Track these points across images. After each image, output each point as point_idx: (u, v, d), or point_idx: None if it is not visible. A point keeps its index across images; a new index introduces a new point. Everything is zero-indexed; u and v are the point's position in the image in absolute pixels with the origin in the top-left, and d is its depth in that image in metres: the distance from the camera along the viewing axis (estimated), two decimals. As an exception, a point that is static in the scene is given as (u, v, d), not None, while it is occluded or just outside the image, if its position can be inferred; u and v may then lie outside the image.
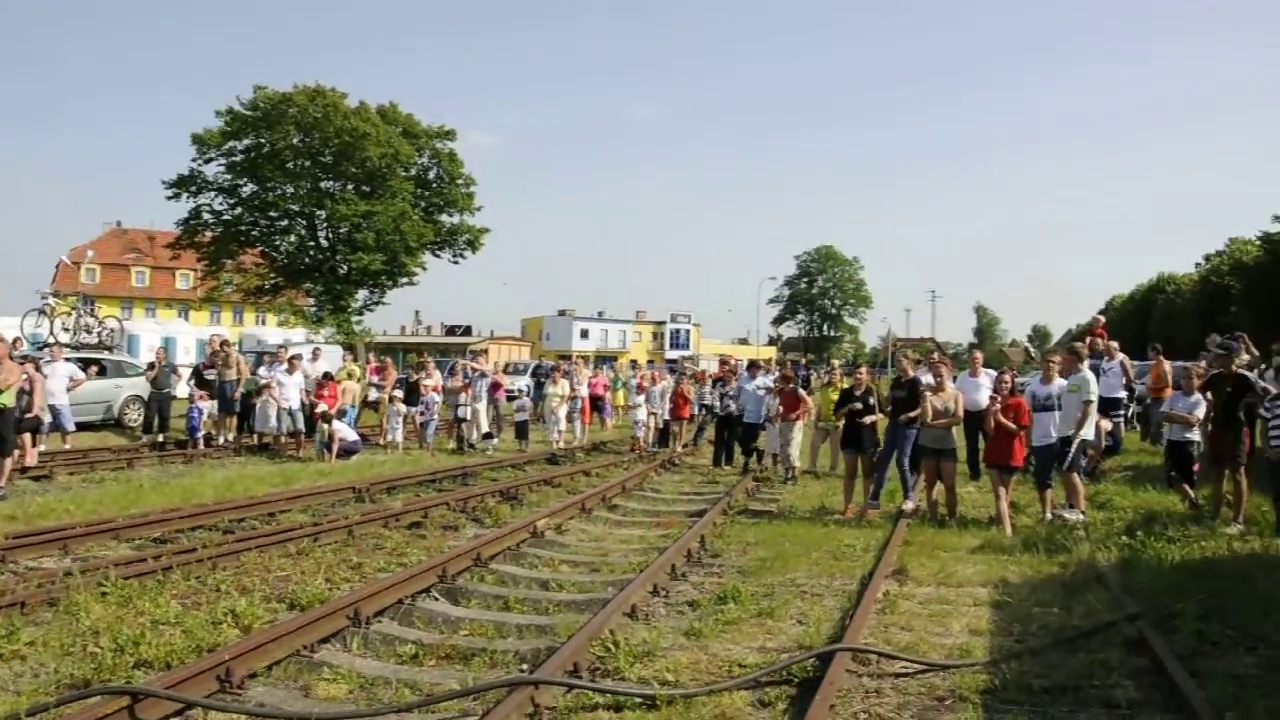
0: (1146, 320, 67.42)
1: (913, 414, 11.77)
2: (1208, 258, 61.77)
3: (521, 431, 21.48)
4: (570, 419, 22.16)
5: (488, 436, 21.13)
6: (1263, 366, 13.72)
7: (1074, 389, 11.24)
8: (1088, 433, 11.29)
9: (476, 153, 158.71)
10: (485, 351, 62.16)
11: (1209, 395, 10.99)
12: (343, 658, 6.30)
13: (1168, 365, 16.93)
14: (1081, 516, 10.88)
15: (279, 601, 7.61)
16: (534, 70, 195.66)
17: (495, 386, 22.31)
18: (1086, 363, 12.08)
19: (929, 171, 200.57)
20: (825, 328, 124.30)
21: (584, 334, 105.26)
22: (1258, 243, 48.03)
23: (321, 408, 18.68)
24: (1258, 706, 5.11)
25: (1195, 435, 11.27)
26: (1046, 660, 6.09)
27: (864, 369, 13.63)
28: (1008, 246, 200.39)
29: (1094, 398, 11.35)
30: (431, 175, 48.83)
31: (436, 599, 7.85)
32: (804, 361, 63.42)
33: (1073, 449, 11.13)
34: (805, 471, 16.09)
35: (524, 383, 32.40)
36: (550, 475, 15.73)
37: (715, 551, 9.93)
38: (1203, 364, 14.11)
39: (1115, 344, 16.87)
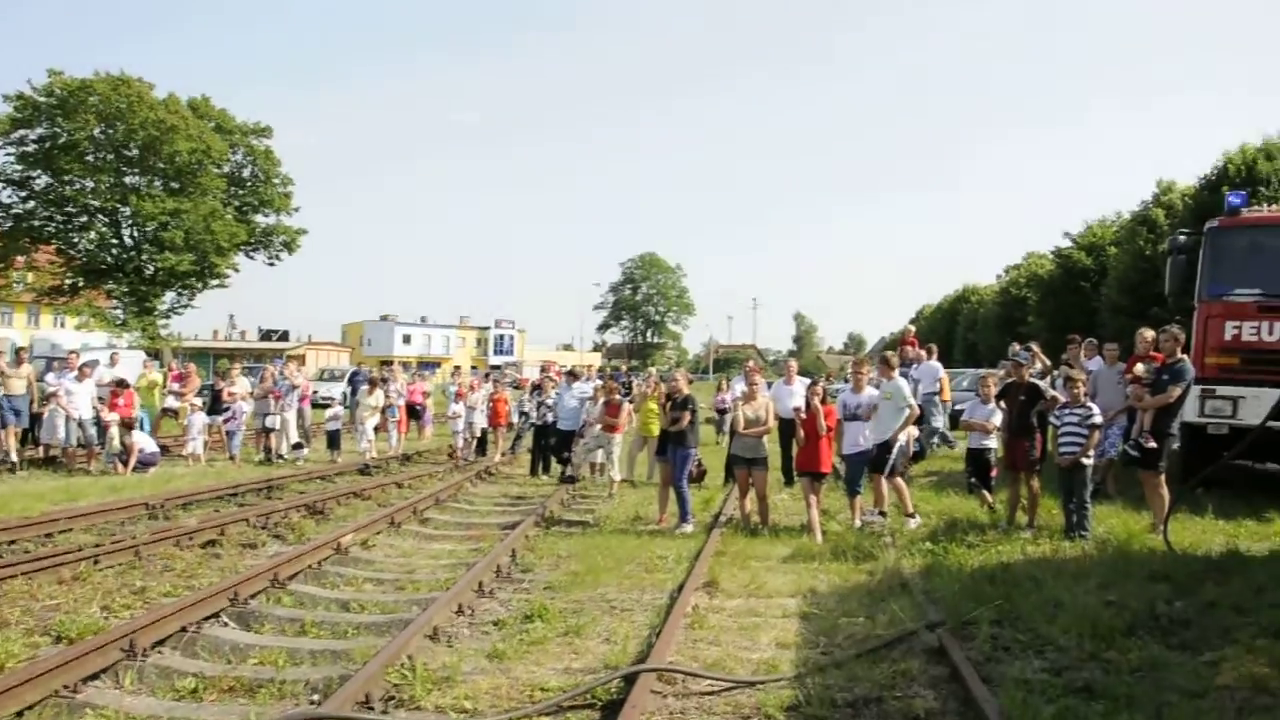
0: (953, 328, 70.95)
1: (680, 424, 11.82)
2: (1007, 270, 65.44)
3: (333, 441, 20.68)
4: (385, 428, 21.47)
5: (297, 447, 20.24)
6: (1054, 375, 14.41)
7: (888, 396, 11.52)
8: (901, 439, 11.59)
9: (295, 151, 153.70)
10: (302, 358, 59.89)
11: (1003, 404, 11.44)
12: (111, 696, 5.75)
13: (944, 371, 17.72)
14: (914, 521, 11.21)
15: (43, 635, 6.93)
16: (358, 70, 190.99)
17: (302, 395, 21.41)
18: (898, 370, 12.46)
19: (761, 178, 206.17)
20: (649, 334, 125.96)
21: (406, 339, 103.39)
22: (1051, 257, 51.19)
23: (112, 416, 17.48)
24: (1045, 711, 5.21)
25: (992, 442, 11.71)
26: (851, 672, 6.10)
27: (680, 374, 13.56)
28: (826, 257, 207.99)
29: (912, 404, 11.70)
30: (246, 173, 47.03)
31: (226, 625, 7.33)
32: (624, 369, 63.81)
33: (893, 456, 11.42)
34: (622, 480, 16.00)
35: (340, 390, 31.31)
36: (361, 487, 15.14)
37: (526, 566, 9.68)
38: (1002, 371, 14.78)
39: (933, 348, 17.60)
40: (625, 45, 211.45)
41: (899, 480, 11.54)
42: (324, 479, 16.90)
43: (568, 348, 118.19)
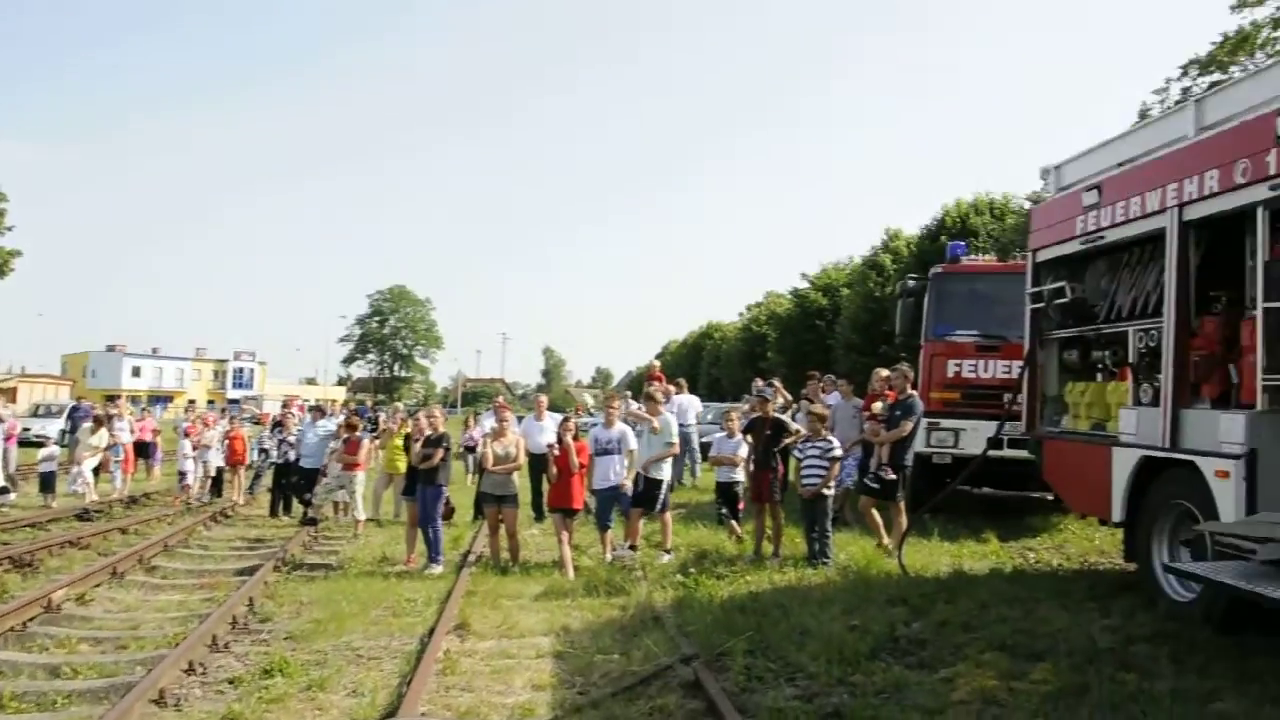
0: (698, 363, 73.30)
1: (431, 462, 11.56)
2: (749, 308, 68.35)
3: (47, 484, 18.77)
4: (109, 469, 19.73)
5: (2, 491, 18.26)
6: (795, 409, 15.01)
7: (656, 431, 11.73)
8: (665, 474, 11.74)
9: (10, 167, 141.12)
10: (11, 391, 54.49)
11: (749, 437, 11.79)
12: None
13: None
14: (667, 556, 11.26)
15: None
16: (85, 86, 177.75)
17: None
18: (663, 405, 12.67)
19: (509, 211, 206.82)
20: (396, 368, 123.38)
21: (136, 372, 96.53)
22: (789, 297, 53.83)
23: None
24: (798, 739, 5.28)
25: (739, 475, 12.03)
26: (608, 711, 5.99)
27: (438, 410, 13.15)
28: (574, 292, 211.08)
29: (675, 439, 11.92)
30: (-57, 189, 42.46)
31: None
32: (370, 404, 62.01)
33: (663, 492, 11.56)
34: (367, 520, 15.34)
35: (57, 427, 28.67)
36: (79, 535, 13.74)
37: (265, 615, 9.01)
38: (746, 405, 15.26)
39: (682, 382, 17.99)
40: (367, 81, 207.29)
41: (666, 515, 11.69)
42: (35, 527, 15.24)
43: (311, 381, 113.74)
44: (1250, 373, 6.83)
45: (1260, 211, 6.76)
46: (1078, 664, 6.41)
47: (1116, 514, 8.35)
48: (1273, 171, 6.51)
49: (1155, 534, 7.99)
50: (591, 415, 37.34)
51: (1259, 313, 6.67)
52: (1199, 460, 7.16)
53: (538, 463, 13.64)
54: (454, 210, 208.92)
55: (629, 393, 15.02)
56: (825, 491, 10.61)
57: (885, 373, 12.66)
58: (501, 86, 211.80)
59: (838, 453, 10.85)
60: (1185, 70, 29.57)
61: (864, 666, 6.63)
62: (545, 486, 12.80)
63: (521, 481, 12.35)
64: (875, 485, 11.32)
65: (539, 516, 14.70)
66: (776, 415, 11.96)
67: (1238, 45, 28.22)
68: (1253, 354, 6.77)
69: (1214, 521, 6.88)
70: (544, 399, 16.90)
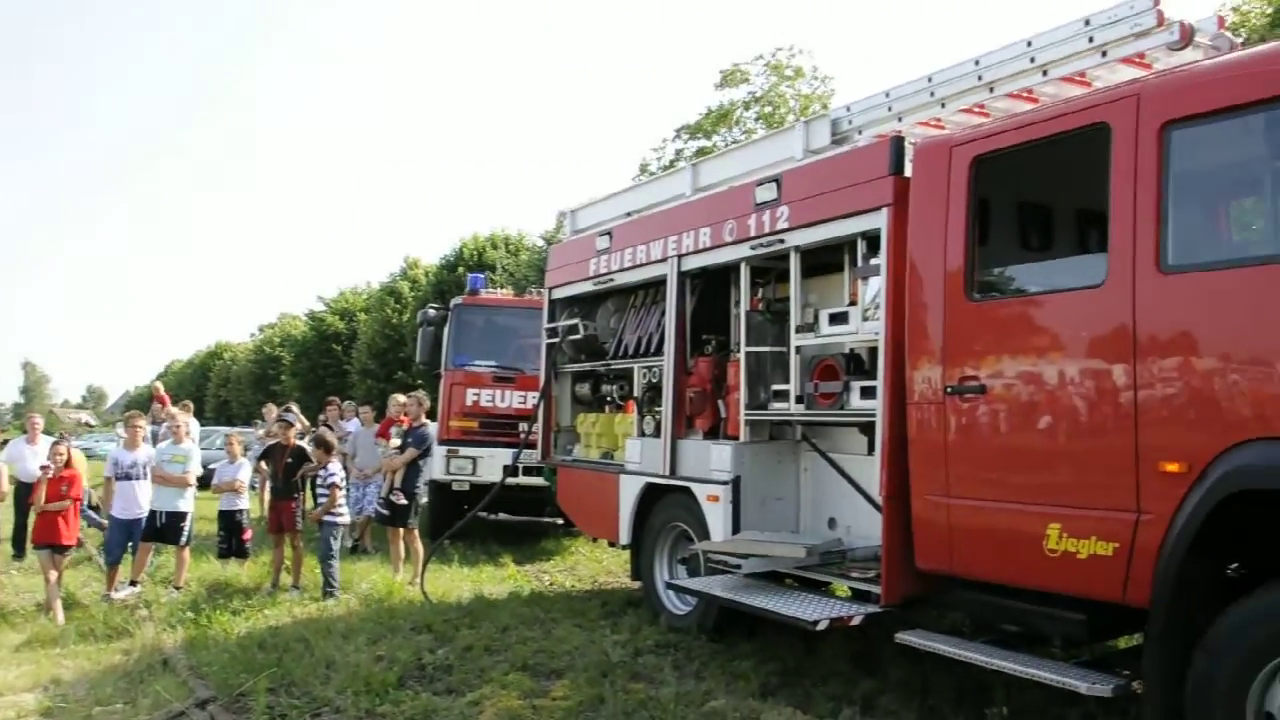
0: (205, 384, 68.72)
1: None
2: (261, 328, 65.33)
3: None
4: None
5: None
6: (310, 435, 14.59)
7: (179, 460, 10.92)
8: (187, 505, 10.95)
9: None
10: None
11: (266, 464, 11.30)
12: None
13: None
14: (175, 592, 10.42)
15: None
16: None
17: None
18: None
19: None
20: None
21: None
22: (305, 319, 52.22)
23: None
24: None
25: (244, 503, 11.48)
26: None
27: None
28: (55, 302, 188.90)
29: (197, 468, 11.23)
30: None
31: None
32: None
33: (187, 524, 10.85)
34: None
35: None
36: None
37: None
38: (261, 431, 14.56)
39: (189, 404, 16.65)
40: None
41: (185, 552, 10.96)
42: None
43: None
44: (735, 408, 7.74)
45: (743, 267, 7.71)
46: (593, 678, 6.84)
47: (624, 537, 9.02)
48: (753, 233, 7.46)
49: (657, 554, 8.73)
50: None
51: (741, 355, 7.61)
52: (694, 486, 7.96)
53: (26, 491, 12.02)
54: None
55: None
56: (326, 519, 10.53)
57: (402, 399, 12.74)
58: None
59: (336, 479, 10.76)
60: (678, 134, 33.40)
61: (392, 696, 6.62)
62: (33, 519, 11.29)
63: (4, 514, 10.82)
64: (386, 511, 11.36)
65: (19, 553, 12.93)
66: (298, 443, 11.57)
67: (720, 118, 32.55)
68: (737, 391, 7.69)
69: (706, 541, 7.69)
70: (39, 419, 14.91)
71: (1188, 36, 5.40)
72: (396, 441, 12.03)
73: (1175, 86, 5.05)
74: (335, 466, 10.88)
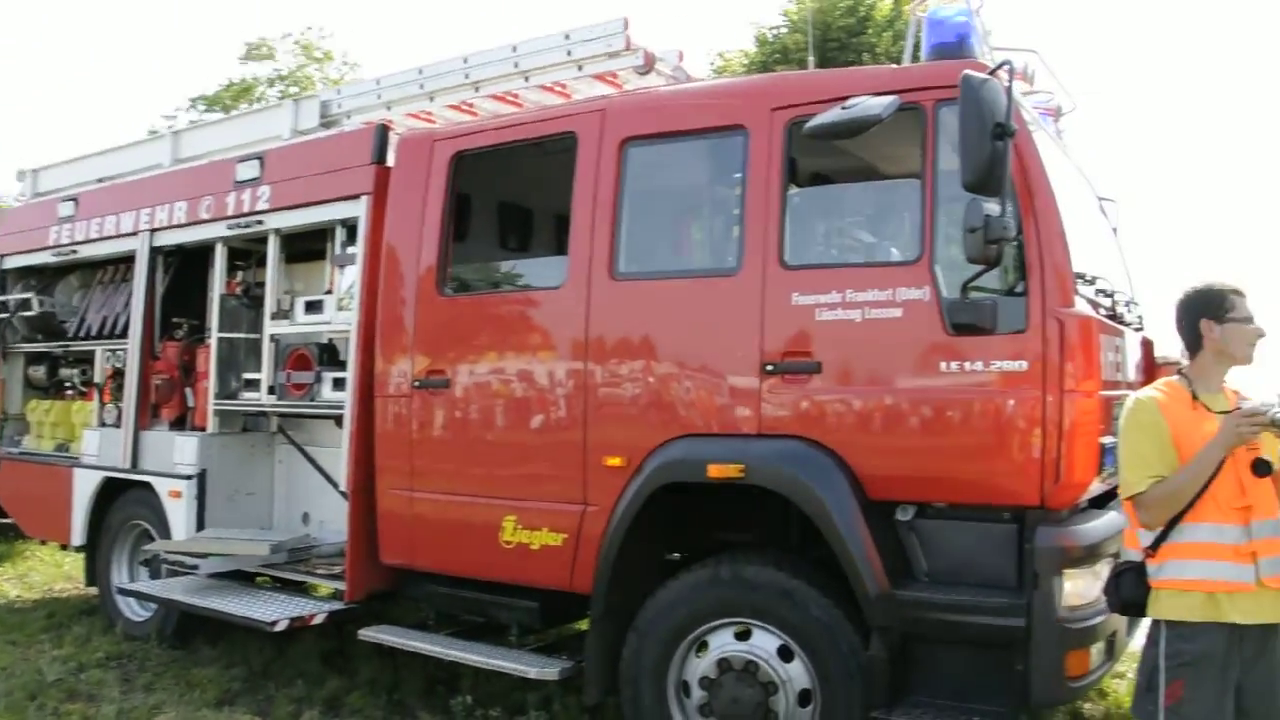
0: None
1: None
2: None
3: None
4: None
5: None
6: None
7: None
8: None
9: None
10: None
11: None
12: None
13: None
14: None
15: None
16: None
17: None
18: None
19: None
20: None
21: None
22: None
23: None
24: None
25: None
26: None
27: None
28: None
29: None
30: None
31: None
32: None
33: None
34: None
35: None
36: None
37: None
38: None
39: None
40: None
41: None
42: None
43: None
44: (204, 397, 7.22)
45: (219, 247, 7.21)
46: (17, 703, 6.08)
47: (77, 538, 8.09)
48: (231, 212, 6.98)
49: (115, 556, 7.93)
50: None
51: (213, 341, 7.12)
52: (155, 481, 7.31)
53: None
54: None
55: None
56: None
57: None
58: None
59: None
60: (194, 103, 31.04)
61: None
62: None
63: None
64: None
65: None
66: None
67: (241, 92, 30.71)
68: (206, 379, 7.18)
69: (165, 540, 7.11)
70: None
71: (651, 63, 5.79)
72: None
73: (636, 106, 5.44)
74: None
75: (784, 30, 21.66)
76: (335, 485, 6.56)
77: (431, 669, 6.32)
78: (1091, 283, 4.71)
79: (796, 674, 4.55)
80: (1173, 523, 3.48)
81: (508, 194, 6.58)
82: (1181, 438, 3.50)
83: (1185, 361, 3.88)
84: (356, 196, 6.21)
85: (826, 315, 4.52)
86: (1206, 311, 3.60)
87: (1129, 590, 3.62)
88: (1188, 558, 3.45)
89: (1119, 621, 4.51)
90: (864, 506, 4.40)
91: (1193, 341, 3.69)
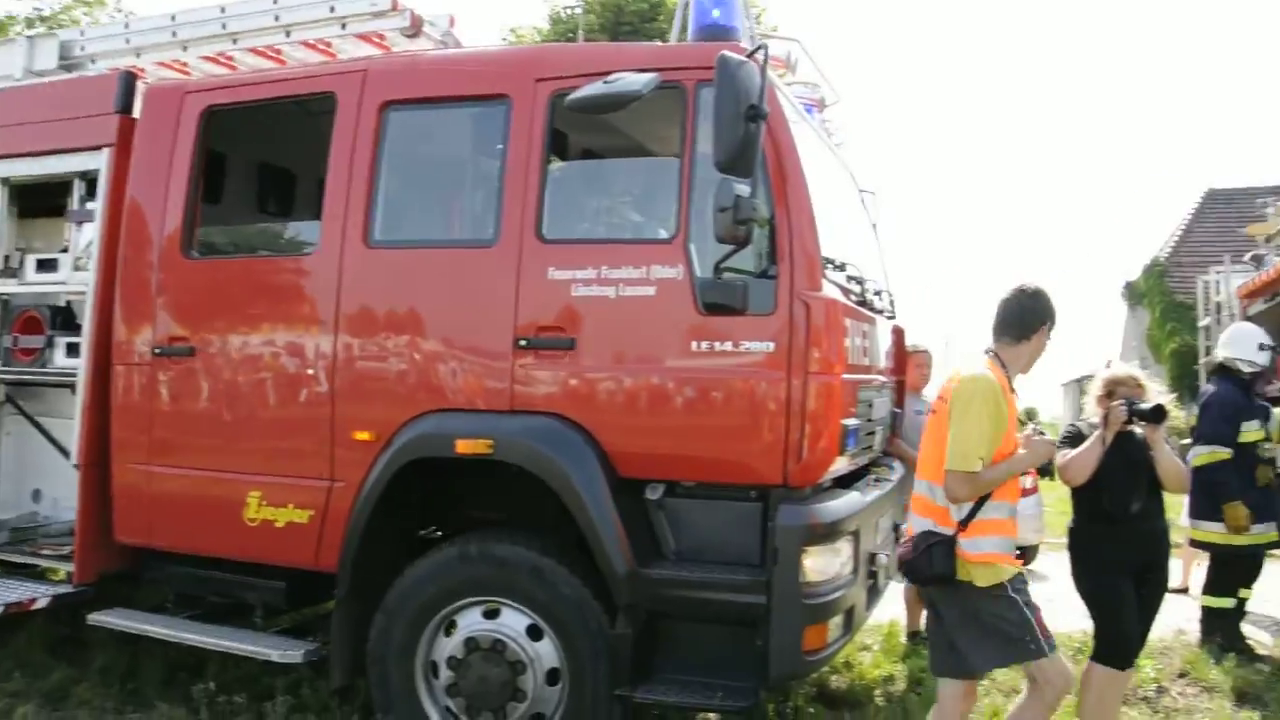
0: None
1: None
2: None
3: None
4: None
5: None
6: None
7: None
8: None
9: None
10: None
11: None
12: None
13: None
14: None
15: None
16: None
17: None
18: None
19: None
20: None
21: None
22: None
23: None
24: None
25: None
26: None
27: None
28: None
29: None
30: None
31: None
32: None
33: None
34: None
35: None
36: None
37: None
38: None
39: None
40: None
41: None
42: None
43: None
44: None
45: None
46: None
47: None
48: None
49: None
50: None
51: None
52: None
53: None
54: None
55: None
56: None
57: None
58: None
59: None
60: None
61: None
62: None
63: None
64: None
65: None
66: None
67: (-1, 28, 27.97)
68: None
69: None
70: None
71: (418, 26, 5.55)
72: None
73: (398, 69, 5.22)
74: None
75: (578, 10, 21.57)
76: (69, 458, 6.06)
77: (174, 655, 5.91)
78: (842, 269, 4.83)
79: (545, 652, 4.50)
80: (982, 500, 3.90)
81: (265, 155, 6.20)
82: (1006, 420, 3.94)
83: (992, 346, 4.15)
84: (97, 148, 5.71)
85: (582, 291, 4.46)
86: (1048, 317, 4.05)
87: (941, 563, 3.88)
88: (992, 534, 3.94)
89: (857, 595, 4.68)
90: (614, 485, 4.37)
91: (1022, 334, 4.07)
